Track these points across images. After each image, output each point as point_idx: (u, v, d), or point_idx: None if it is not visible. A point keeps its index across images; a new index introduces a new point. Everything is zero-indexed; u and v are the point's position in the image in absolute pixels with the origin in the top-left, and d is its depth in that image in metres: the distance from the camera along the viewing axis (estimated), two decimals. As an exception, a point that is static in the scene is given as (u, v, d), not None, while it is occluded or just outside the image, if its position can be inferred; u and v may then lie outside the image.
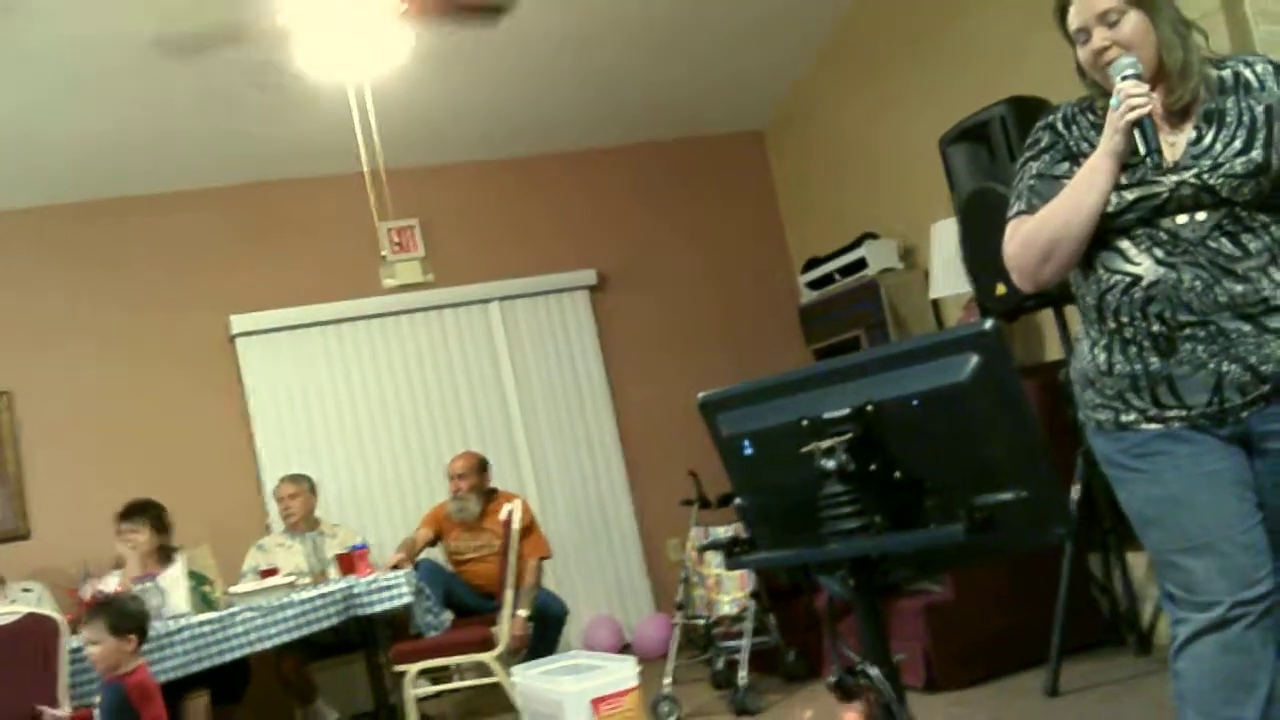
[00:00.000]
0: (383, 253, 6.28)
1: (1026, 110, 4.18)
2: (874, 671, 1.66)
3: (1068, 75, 2.34)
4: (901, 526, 1.72)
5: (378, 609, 4.93)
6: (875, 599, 1.74)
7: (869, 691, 1.65)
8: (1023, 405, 1.66)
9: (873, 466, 1.73)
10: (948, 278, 5.06)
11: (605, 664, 1.91)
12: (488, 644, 5.05)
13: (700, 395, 2.00)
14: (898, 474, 1.74)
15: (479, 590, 5.54)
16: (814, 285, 6.49)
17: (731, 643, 5.06)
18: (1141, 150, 2.18)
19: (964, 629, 4.50)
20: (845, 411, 1.75)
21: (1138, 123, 2.17)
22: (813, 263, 6.51)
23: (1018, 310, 4.35)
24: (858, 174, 6.38)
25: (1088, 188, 2.22)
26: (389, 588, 4.94)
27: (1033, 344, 5.20)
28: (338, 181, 6.01)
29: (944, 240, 5.04)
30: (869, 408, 1.73)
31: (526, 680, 1.95)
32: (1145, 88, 2.18)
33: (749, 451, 1.92)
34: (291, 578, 5.01)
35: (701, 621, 5.27)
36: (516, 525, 5.20)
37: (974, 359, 1.66)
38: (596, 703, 2.01)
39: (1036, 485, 1.63)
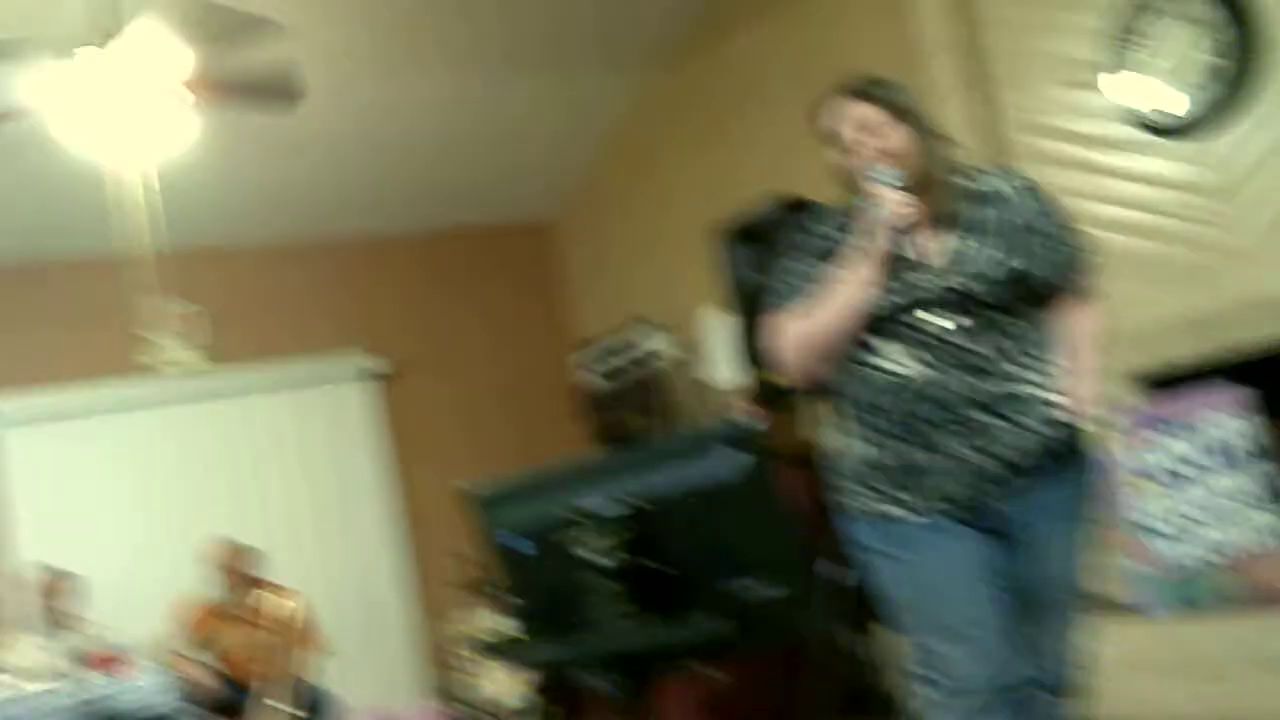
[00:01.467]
0: (157, 339, 6.00)
1: (797, 209, 4.36)
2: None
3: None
4: (669, 620, 1.73)
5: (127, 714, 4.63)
6: (640, 696, 1.74)
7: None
8: (781, 504, 1.71)
9: (642, 562, 1.74)
10: (725, 366, 5.20)
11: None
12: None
13: (466, 487, 1.98)
14: (666, 569, 1.75)
15: (240, 687, 5.28)
16: (597, 371, 6.57)
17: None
18: (904, 255, 2.29)
19: (744, 711, 4.56)
20: (616, 509, 1.76)
21: (900, 228, 2.27)
22: (600, 353, 6.59)
23: (792, 399, 4.50)
24: (643, 265, 6.51)
25: (852, 290, 2.30)
26: (143, 691, 4.65)
27: (811, 428, 5.37)
28: (109, 264, 5.73)
29: (720, 331, 5.18)
30: (638, 505, 1.75)
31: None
32: (908, 196, 2.28)
33: (518, 546, 1.91)
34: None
35: (478, 713, 5.17)
36: (298, 624, 5.01)
37: (740, 458, 1.70)
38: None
39: (794, 579, 1.68)
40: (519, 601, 1.96)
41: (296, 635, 5.10)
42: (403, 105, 5.70)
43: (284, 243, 6.54)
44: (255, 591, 5.41)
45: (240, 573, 5.40)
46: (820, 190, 2.53)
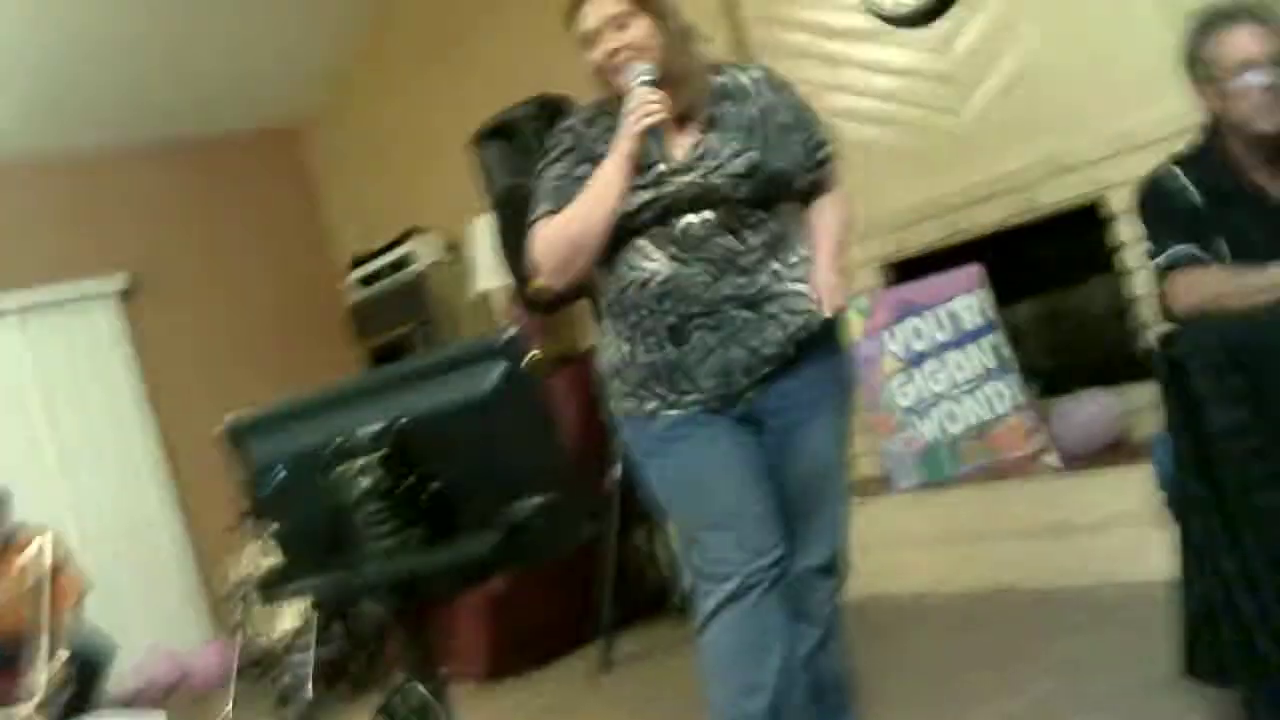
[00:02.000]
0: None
1: (553, 109, 4.31)
2: (420, 692, 1.65)
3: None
4: (438, 542, 1.71)
5: None
6: (416, 618, 1.72)
7: (415, 712, 1.64)
8: (548, 414, 1.71)
9: (408, 484, 1.71)
10: (491, 271, 5.14)
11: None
12: (16, 696, 4.58)
13: (226, 421, 1.90)
14: (433, 490, 1.73)
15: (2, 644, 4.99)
16: (363, 283, 6.40)
17: (296, 657, 4.88)
18: (654, 154, 2.29)
19: (522, 617, 4.62)
20: (378, 431, 1.72)
21: (652, 126, 2.27)
22: (360, 261, 6.40)
23: (559, 302, 4.49)
24: (400, 170, 6.34)
25: (605, 190, 2.30)
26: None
27: (576, 333, 5.39)
28: None
29: (484, 235, 5.11)
30: (401, 426, 1.71)
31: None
32: (658, 94, 2.28)
33: (281, 475, 1.84)
34: None
35: (265, 640, 5.05)
36: (47, 566, 4.75)
37: (499, 371, 1.68)
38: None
39: (564, 488, 1.68)
40: (284, 532, 1.90)
41: (47, 575, 4.83)
42: (129, 6, 5.30)
43: (18, 157, 6.03)
44: (5, 539, 5.10)
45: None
46: (582, 88, 2.51)
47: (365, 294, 6.36)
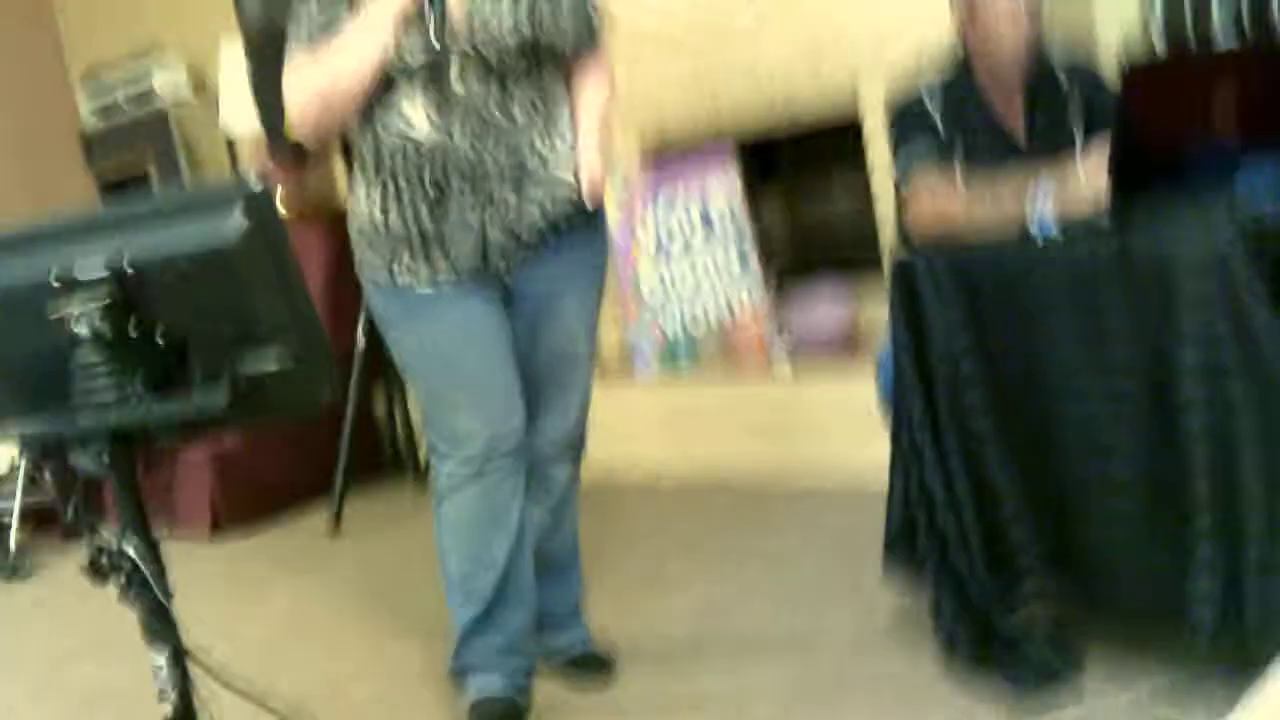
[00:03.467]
0: None
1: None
2: (130, 547, 1.58)
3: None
4: (164, 394, 1.63)
5: None
6: (131, 472, 1.64)
7: (123, 568, 1.57)
8: (291, 270, 1.63)
9: (132, 331, 1.61)
10: (240, 113, 4.85)
11: None
12: None
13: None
14: (160, 339, 1.64)
15: None
16: (99, 112, 5.93)
17: (2, 504, 4.61)
18: (426, 11, 2.20)
19: (251, 472, 4.51)
20: (102, 273, 1.60)
21: None
22: (96, 87, 5.93)
23: (310, 152, 4.31)
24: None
25: (368, 41, 2.20)
26: None
27: (325, 189, 5.19)
28: None
29: (232, 69, 4.81)
30: (128, 268, 1.60)
31: None
32: None
33: (-11, 311, 1.70)
34: None
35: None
36: None
37: (242, 221, 1.59)
38: None
39: (304, 351, 1.62)
40: (-8, 372, 1.76)
41: None
42: None
43: None
44: None
45: None
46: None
47: (103, 124, 5.91)
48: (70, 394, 1.60)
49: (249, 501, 4.48)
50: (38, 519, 4.66)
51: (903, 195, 2.58)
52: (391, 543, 4.02)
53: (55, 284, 1.60)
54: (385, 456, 4.89)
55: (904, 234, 2.60)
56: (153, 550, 1.62)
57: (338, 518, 4.27)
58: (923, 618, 2.42)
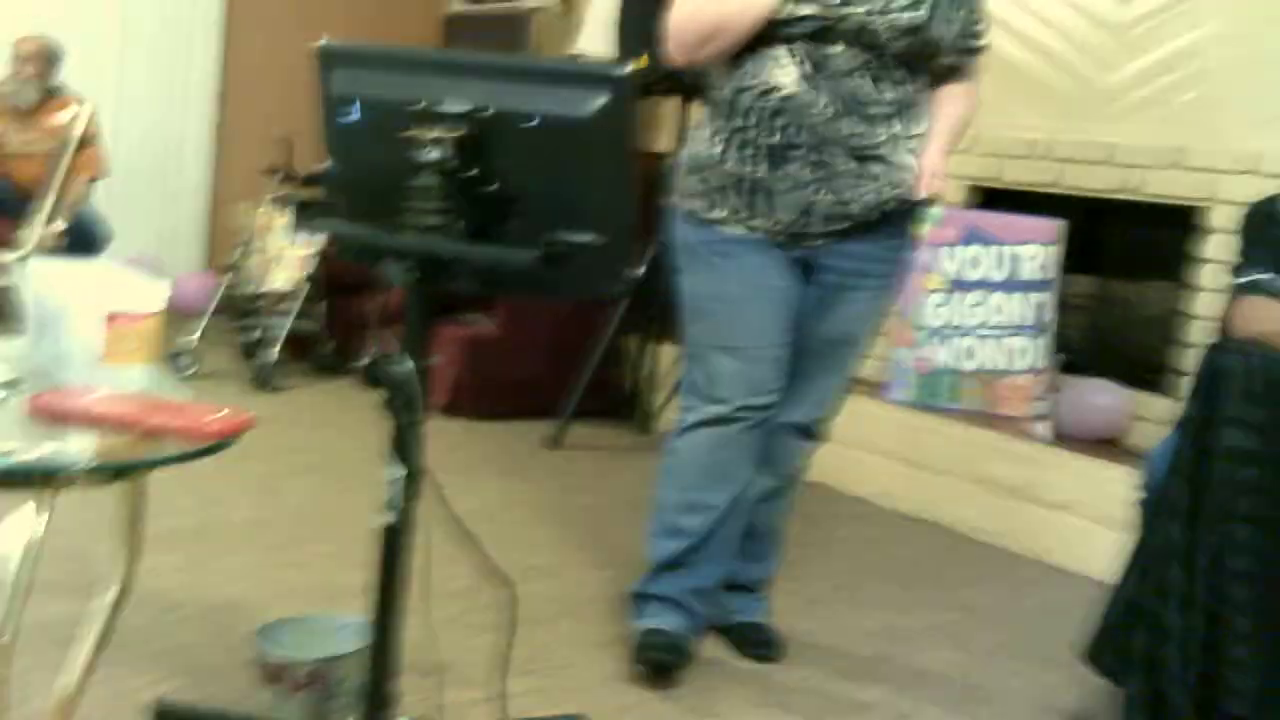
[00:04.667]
0: None
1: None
2: (407, 365, 1.67)
3: None
4: (480, 239, 1.71)
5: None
6: (431, 297, 1.74)
7: (395, 381, 1.67)
8: (630, 158, 1.69)
9: (472, 171, 1.70)
10: (597, 36, 5.02)
11: (133, 281, 1.72)
12: (10, 244, 4.66)
13: (322, 42, 1.87)
14: (493, 187, 1.72)
15: (16, 190, 5.04)
16: (468, -3, 6.28)
17: (273, 319, 4.96)
18: None
19: (497, 366, 4.70)
20: (463, 108, 1.69)
21: None
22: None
23: (649, 89, 4.41)
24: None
25: None
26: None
27: (645, 130, 5.31)
28: None
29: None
30: (488, 111, 1.69)
31: (39, 278, 1.72)
32: None
33: (355, 117, 1.83)
34: None
35: (250, 290, 5.11)
36: (78, 131, 4.76)
37: (602, 98, 1.66)
38: (112, 318, 1.86)
39: (616, 234, 1.68)
40: (336, 172, 1.90)
41: (79, 150, 4.86)
42: None
43: None
44: (46, 91, 5.10)
45: (37, 66, 5.05)
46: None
47: (467, 9, 6.23)
48: (400, 212, 1.71)
49: (488, 394, 4.67)
50: (300, 345, 4.99)
51: (1238, 294, 2.46)
52: (600, 476, 4.11)
53: (421, 108, 1.71)
54: (619, 399, 4.98)
55: (1225, 330, 2.47)
56: (423, 375, 1.71)
57: (560, 434, 4.39)
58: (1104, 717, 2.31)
